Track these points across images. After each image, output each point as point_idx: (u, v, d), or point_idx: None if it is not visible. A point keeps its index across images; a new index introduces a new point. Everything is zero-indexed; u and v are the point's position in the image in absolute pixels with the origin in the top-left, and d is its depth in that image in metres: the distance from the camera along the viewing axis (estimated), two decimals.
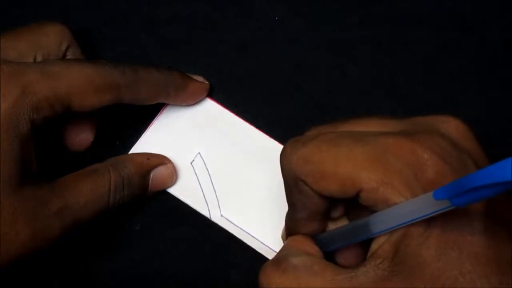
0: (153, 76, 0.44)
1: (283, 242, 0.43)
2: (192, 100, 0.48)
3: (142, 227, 0.47)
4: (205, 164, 0.47)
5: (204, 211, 0.46)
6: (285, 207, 0.46)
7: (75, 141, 0.45)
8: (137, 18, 0.51)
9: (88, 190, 0.41)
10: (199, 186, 0.47)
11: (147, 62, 0.48)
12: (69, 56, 0.45)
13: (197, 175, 0.47)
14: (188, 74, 0.47)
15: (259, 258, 0.46)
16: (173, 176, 0.46)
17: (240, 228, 0.46)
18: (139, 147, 0.48)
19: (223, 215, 0.46)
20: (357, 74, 0.49)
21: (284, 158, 0.38)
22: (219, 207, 0.46)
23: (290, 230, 0.41)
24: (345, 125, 0.38)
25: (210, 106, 0.48)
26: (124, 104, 0.43)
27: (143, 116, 0.47)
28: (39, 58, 0.43)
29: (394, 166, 0.34)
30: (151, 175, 0.45)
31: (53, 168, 0.42)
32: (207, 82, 0.48)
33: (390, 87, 0.49)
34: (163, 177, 0.46)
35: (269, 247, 0.46)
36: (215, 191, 0.47)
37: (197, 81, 0.47)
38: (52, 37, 0.44)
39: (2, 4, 0.51)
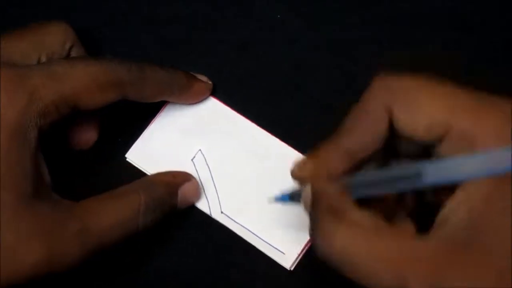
0: (159, 74, 0.44)
1: (297, 181, 0.39)
2: (196, 100, 0.48)
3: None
4: (206, 161, 0.47)
5: (204, 208, 0.46)
6: (285, 206, 0.46)
7: (80, 140, 0.45)
8: (137, 18, 0.51)
9: (115, 213, 0.40)
10: (200, 183, 0.47)
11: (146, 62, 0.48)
12: (73, 55, 0.45)
13: (198, 172, 0.47)
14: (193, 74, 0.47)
15: (260, 257, 0.46)
16: (199, 191, 0.46)
17: (241, 225, 0.46)
18: (140, 144, 0.48)
19: (224, 212, 0.46)
20: (357, 74, 0.49)
21: (380, 79, 0.35)
22: (220, 204, 0.46)
23: (321, 165, 0.37)
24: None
25: (211, 104, 0.48)
26: (127, 100, 0.43)
27: (144, 113, 0.47)
28: (43, 58, 0.43)
29: (491, 123, 0.32)
30: (179, 193, 0.45)
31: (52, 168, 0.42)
32: (210, 82, 0.48)
33: None
34: (190, 193, 0.46)
35: (269, 244, 0.45)
36: (215, 188, 0.46)
37: (201, 80, 0.47)
38: (56, 37, 0.44)
39: (2, 4, 0.51)
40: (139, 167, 0.47)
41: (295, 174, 0.38)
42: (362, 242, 0.33)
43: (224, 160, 0.47)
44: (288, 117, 0.48)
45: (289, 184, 0.45)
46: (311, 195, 0.37)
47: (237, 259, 0.44)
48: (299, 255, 0.45)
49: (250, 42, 0.50)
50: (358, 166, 0.36)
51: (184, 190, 0.45)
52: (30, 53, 0.42)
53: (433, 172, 0.32)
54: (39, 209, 0.38)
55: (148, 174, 0.47)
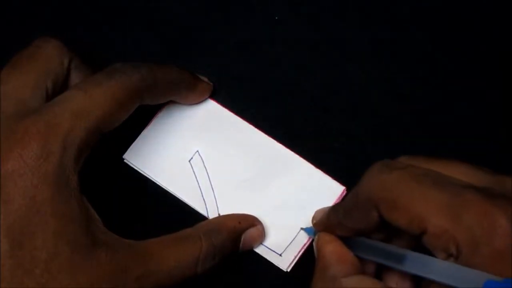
0: (168, 75, 0.44)
1: (314, 226, 0.43)
2: (198, 100, 0.48)
3: (141, 226, 0.47)
4: (203, 162, 0.47)
5: (201, 210, 0.46)
6: (282, 207, 0.46)
7: None
8: (137, 18, 0.51)
9: (175, 258, 0.40)
10: (197, 184, 0.47)
11: (147, 62, 0.48)
12: (72, 69, 0.44)
13: (195, 173, 0.47)
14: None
15: (257, 259, 0.46)
16: (263, 236, 0.46)
17: None
18: (138, 145, 0.48)
19: (221, 213, 0.46)
20: (357, 74, 0.49)
21: (367, 176, 0.38)
22: (217, 206, 0.46)
23: (328, 227, 0.41)
24: (436, 163, 0.38)
25: (209, 105, 0.48)
26: None
27: (142, 114, 0.47)
28: (49, 86, 0.42)
29: (465, 222, 0.33)
30: (242, 238, 0.44)
31: None
32: (211, 83, 0.48)
33: (390, 87, 0.49)
34: (253, 239, 0.45)
35: (266, 246, 0.46)
36: (213, 190, 0.46)
37: (204, 81, 0.47)
38: (54, 59, 0.43)
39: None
40: (136, 168, 0.47)
41: (312, 222, 0.44)
42: None
43: (222, 162, 0.47)
44: (288, 117, 0.48)
45: (287, 185, 0.46)
46: (316, 251, 0.42)
47: (233, 260, 0.44)
48: (295, 257, 0.45)
49: (250, 42, 0.50)
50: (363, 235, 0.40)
51: (248, 236, 0.45)
52: (38, 85, 0.41)
53: (412, 264, 0.37)
54: (98, 257, 0.37)
55: (146, 175, 0.47)
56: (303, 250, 0.45)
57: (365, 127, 0.48)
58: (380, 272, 0.41)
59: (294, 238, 0.45)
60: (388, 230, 0.40)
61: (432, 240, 0.35)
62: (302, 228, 0.45)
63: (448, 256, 0.34)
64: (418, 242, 0.37)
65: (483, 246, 0.33)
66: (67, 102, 0.39)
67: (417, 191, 0.35)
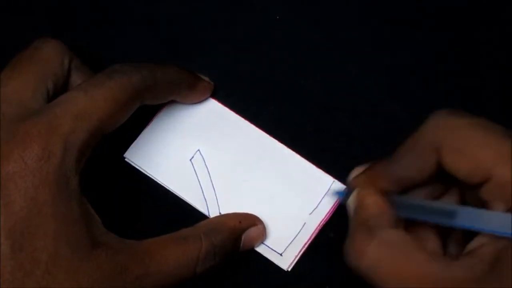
0: (168, 75, 0.44)
1: (353, 181, 0.41)
2: (199, 99, 0.48)
3: (142, 225, 0.47)
4: (204, 161, 0.47)
5: (202, 209, 0.46)
6: (283, 206, 0.46)
7: None
8: (137, 18, 0.51)
9: (175, 258, 0.40)
10: (198, 183, 0.47)
11: (147, 62, 0.48)
12: (73, 69, 0.44)
13: (196, 172, 0.47)
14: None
15: (258, 258, 0.46)
16: (264, 236, 0.45)
17: None
18: (139, 144, 0.48)
19: (222, 213, 0.46)
20: (357, 74, 0.49)
21: (433, 118, 0.38)
22: (218, 205, 0.46)
23: (372, 179, 0.40)
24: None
25: (210, 104, 0.48)
26: None
27: (143, 113, 0.47)
28: (50, 87, 0.42)
29: None
30: (243, 238, 0.44)
31: None
32: (212, 82, 0.48)
33: (390, 87, 0.49)
34: (254, 238, 0.45)
35: (267, 245, 0.46)
36: (214, 189, 0.47)
37: (205, 80, 0.47)
38: (54, 60, 0.43)
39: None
40: (137, 167, 0.47)
41: (349, 179, 0.42)
42: (388, 261, 0.36)
43: (223, 161, 0.47)
44: (288, 117, 0.48)
45: (288, 185, 0.46)
46: (356, 203, 0.40)
47: (234, 260, 0.44)
48: (296, 256, 0.45)
49: (250, 42, 0.50)
50: (408, 189, 0.39)
51: (249, 235, 0.44)
52: (38, 86, 0.41)
53: (465, 218, 0.36)
54: (98, 258, 0.37)
55: (147, 174, 0.47)
56: (304, 249, 0.45)
57: (365, 127, 0.48)
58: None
59: (295, 238, 0.45)
60: (432, 188, 0.39)
61: (494, 189, 0.34)
62: (335, 192, 0.45)
63: (508, 209, 0.34)
64: (463, 202, 0.37)
65: None
66: (68, 104, 0.39)
67: (487, 138, 0.35)
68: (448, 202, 0.39)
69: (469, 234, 0.37)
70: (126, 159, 0.48)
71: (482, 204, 0.36)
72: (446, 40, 0.49)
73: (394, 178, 0.39)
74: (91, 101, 0.39)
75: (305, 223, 0.46)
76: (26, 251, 0.36)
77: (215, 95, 0.49)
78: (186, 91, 0.46)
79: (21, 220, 0.36)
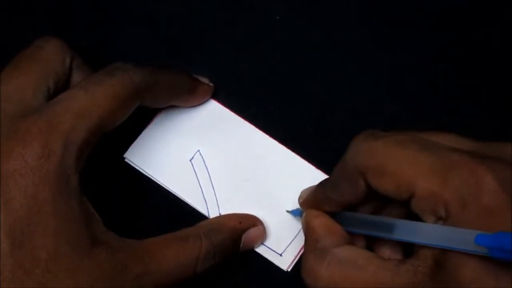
0: (169, 79, 0.44)
1: (300, 205, 0.44)
2: (198, 102, 0.48)
3: (142, 225, 0.47)
4: (204, 162, 0.47)
5: (202, 209, 0.46)
6: (282, 207, 0.46)
7: None
8: (137, 18, 0.51)
9: (175, 257, 0.40)
10: (198, 184, 0.47)
11: (147, 62, 0.48)
12: (74, 68, 0.44)
13: (196, 172, 0.47)
14: (194, 76, 0.47)
15: (257, 259, 0.46)
16: (264, 237, 0.46)
17: None
18: (139, 144, 0.48)
19: (221, 213, 0.46)
20: (357, 74, 0.49)
21: (353, 146, 0.39)
22: (218, 205, 0.46)
23: (315, 203, 0.42)
24: (422, 133, 0.38)
25: (210, 105, 0.48)
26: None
27: (143, 113, 0.47)
28: (51, 85, 0.41)
29: (452, 182, 0.34)
30: (243, 238, 0.44)
31: None
32: (211, 84, 0.48)
33: (390, 87, 0.49)
34: (254, 239, 0.45)
35: (266, 246, 0.46)
36: (213, 189, 0.47)
37: (204, 83, 0.47)
38: (55, 58, 0.42)
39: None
40: (137, 167, 0.47)
41: (298, 201, 0.44)
42: (342, 278, 0.37)
43: (223, 161, 0.47)
44: (288, 117, 0.48)
45: (287, 186, 0.46)
46: (304, 225, 0.42)
47: (233, 260, 0.44)
48: (295, 256, 0.45)
49: (250, 42, 0.50)
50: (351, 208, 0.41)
51: (249, 236, 0.44)
52: (39, 85, 0.41)
53: (401, 231, 0.37)
54: (98, 257, 0.37)
55: (147, 174, 0.47)
56: (303, 250, 0.45)
57: (365, 127, 0.47)
58: (370, 248, 0.41)
59: (294, 238, 0.45)
60: (374, 202, 0.40)
61: (421, 203, 0.35)
62: (287, 211, 0.46)
63: (437, 219, 0.35)
64: (406, 212, 0.38)
65: (471, 205, 0.33)
66: (68, 101, 0.39)
67: (404, 155, 0.36)
68: (391, 214, 0.40)
69: None
70: (126, 160, 0.48)
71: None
72: (446, 40, 0.49)
73: (334, 203, 0.40)
74: (92, 98, 0.39)
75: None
76: (26, 249, 0.36)
77: (215, 96, 0.49)
78: (186, 95, 0.46)
79: (21, 218, 0.36)
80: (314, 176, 0.46)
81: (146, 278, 0.38)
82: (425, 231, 0.35)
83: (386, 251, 0.41)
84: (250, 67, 0.50)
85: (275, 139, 0.48)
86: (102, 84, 0.40)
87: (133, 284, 0.38)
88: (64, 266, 0.36)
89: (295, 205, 0.46)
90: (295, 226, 0.46)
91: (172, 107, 0.48)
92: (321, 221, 0.41)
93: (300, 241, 0.45)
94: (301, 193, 0.44)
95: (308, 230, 0.41)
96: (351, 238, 0.40)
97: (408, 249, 0.40)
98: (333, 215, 0.41)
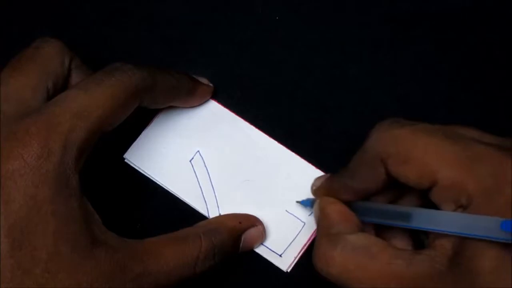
0: (168, 80, 0.44)
1: (314, 193, 0.44)
2: (198, 103, 0.48)
3: (142, 225, 0.47)
4: (204, 162, 0.47)
5: (202, 209, 0.46)
6: (282, 207, 0.46)
7: None
8: (137, 18, 0.51)
9: (174, 257, 0.40)
10: (198, 184, 0.47)
11: (147, 62, 0.48)
12: (73, 69, 0.44)
13: (196, 173, 0.47)
14: (194, 76, 0.47)
15: (257, 259, 0.46)
16: (263, 237, 0.46)
17: None
18: (139, 144, 0.48)
19: (221, 214, 0.46)
20: (357, 74, 0.49)
21: (376, 131, 0.39)
22: (218, 206, 0.46)
23: (331, 191, 0.41)
24: (446, 126, 0.38)
25: (210, 105, 0.48)
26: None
27: (143, 113, 0.47)
28: (50, 86, 0.41)
29: (477, 172, 0.34)
30: (242, 238, 0.44)
31: None
32: (211, 85, 0.48)
33: (390, 87, 0.49)
34: (253, 239, 0.45)
35: (266, 246, 0.46)
36: (213, 190, 0.47)
37: (204, 84, 0.47)
38: (55, 59, 0.42)
39: None
40: (137, 168, 0.47)
41: (312, 190, 0.44)
42: (355, 265, 0.37)
43: (222, 162, 0.47)
44: (288, 117, 0.48)
45: (288, 186, 0.46)
46: (318, 212, 0.42)
47: (233, 260, 0.44)
48: (295, 257, 0.45)
49: (250, 42, 0.50)
50: (368, 197, 0.41)
51: (248, 236, 0.44)
52: (38, 86, 0.41)
53: (419, 220, 0.37)
54: (97, 257, 0.37)
55: (146, 175, 0.47)
56: (303, 250, 0.45)
57: (365, 127, 0.47)
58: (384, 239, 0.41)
59: (294, 239, 0.45)
60: (389, 193, 0.40)
61: (443, 192, 0.35)
62: (297, 201, 0.46)
63: (457, 207, 0.35)
64: (421, 204, 0.38)
65: (496, 195, 0.33)
66: (67, 102, 0.39)
67: (429, 144, 0.36)
68: (404, 205, 0.40)
69: None
70: (126, 160, 0.48)
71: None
72: (446, 40, 0.49)
73: (351, 191, 0.40)
74: (91, 99, 0.39)
75: (304, 224, 0.46)
76: (25, 249, 0.36)
77: (215, 96, 0.49)
78: (185, 96, 0.46)
79: (21, 219, 0.36)
80: (314, 176, 0.46)
81: (146, 278, 0.38)
82: (445, 219, 0.35)
83: (397, 243, 0.41)
84: (250, 67, 0.50)
85: (275, 140, 0.48)
86: (102, 84, 0.39)
87: (133, 284, 0.38)
88: (64, 266, 0.36)
89: (295, 205, 0.46)
90: (295, 227, 0.46)
91: (172, 107, 0.47)
92: (336, 208, 0.40)
93: (301, 242, 0.45)
94: (315, 181, 0.44)
95: (322, 216, 0.41)
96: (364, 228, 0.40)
97: (419, 243, 0.41)
98: (347, 204, 0.41)
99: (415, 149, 0.36)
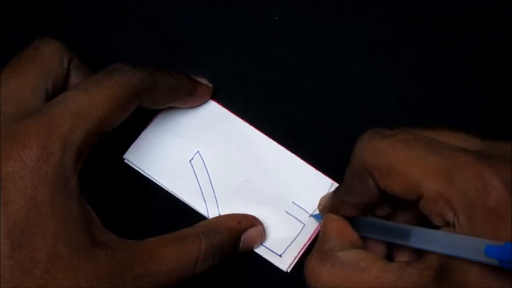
0: (168, 80, 0.44)
1: (320, 212, 0.44)
2: (197, 103, 0.48)
3: (142, 226, 0.47)
4: (204, 162, 0.47)
5: (201, 210, 0.46)
6: (282, 208, 0.46)
7: None
8: (137, 18, 0.51)
9: (174, 258, 0.40)
10: (198, 185, 0.47)
11: (147, 62, 0.48)
12: (72, 69, 0.44)
13: (196, 173, 0.47)
14: (193, 77, 0.47)
15: (257, 260, 0.46)
16: (263, 237, 0.46)
17: None
18: (138, 145, 0.48)
19: (221, 214, 0.46)
20: (357, 74, 0.49)
21: (359, 145, 0.39)
22: (217, 206, 0.46)
23: (333, 208, 0.42)
24: (428, 132, 0.38)
25: (210, 106, 0.48)
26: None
27: (143, 113, 0.47)
28: (49, 87, 0.42)
29: (459, 185, 0.34)
30: (242, 238, 0.44)
31: None
32: (211, 85, 0.48)
33: (390, 87, 0.49)
34: (253, 239, 0.45)
35: (266, 247, 0.46)
36: (213, 190, 0.47)
37: (204, 84, 0.47)
38: (54, 59, 0.43)
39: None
40: (137, 168, 0.47)
41: (318, 208, 0.45)
42: (343, 280, 0.37)
43: (222, 162, 0.47)
44: (288, 117, 0.48)
45: (287, 187, 0.46)
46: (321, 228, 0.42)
47: (233, 261, 0.44)
48: (295, 257, 0.45)
49: (250, 42, 0.50)
50: (368, 210, 0.41)
51: (248, 236, 0.44)
52: (38, 87, 0.41)
53: (417, 239, 0.37)
54: (97, 258, 0.37)
55: (146, 175, 0.47)
56: (303, 251, 0.45)
57: (365, 127, 0.47)
58: (391, 251, 0.42)
59: (294, 239, 0.45)
60: (391, 204, 0.40)
61: (429, 205, 0.35)
62: (311, 215, 0.46)
63: (446, 223, 0.35)
64: (419, 213, 0.37)
65: (478, 208, 0.33)
66: (67, 103, 0.39)
67: (410, 155, 0.36)
68: (404, 223, 0.40)
69: None
70: (125, 160, 0.48)
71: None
72: (446, 40, 0.49)
73: (349, 206, 0.40)
74: (91, 100, 0.39)
75: (304, 224, 0.46)
76: (25, 251, 0.36)
77: (215, 96, 0.49)
78: (185, 97, 0.46)
79: (20, 220, 0.36)
80: (313, 176, 0.46)
81: (146, 278, 0.38)
82: (437, 239, 0.35)
83: (406, 255, 0.41)
84: (250, 68, 0.50)
85: (274, 140, 0.48)
86: (101, 85, 0.39)
87: (132, 285, 0.38)
88: (63, 267, 0.36)
89: (295, 206, 0.46)
90: (295, 227, 0.46)
91: (172, 107, 0.47)
92: (335, 225, 0.41)
93: (300, 242, 0.45)
94: (320, 200, 0.45)
95: (320, 233, 0.41)
96: (370, 242, 0.41)
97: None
98: (351, 220, 0.41)
99: (395, 161, 0.36)
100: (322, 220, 0.43)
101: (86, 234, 0.37)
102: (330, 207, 0.42)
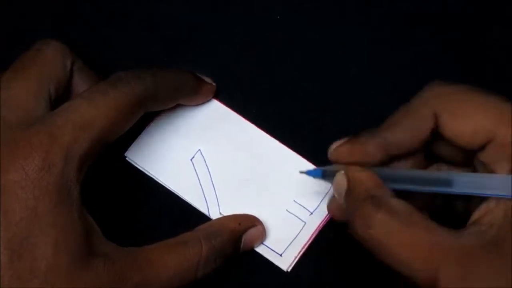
0: (171, 81, 0.44)
1: (333, 159, 0.40)
2: (202, 101, 0.48)
3: (143, 224, 0.47)
4: (205, 161, 0.47)
5: (202, 208, 0.46)
6: (283, 207, 0.46)
7: None
8: (137, 18, 0.51)
9: (174, 264, 0.40)
10: (199, 183, 0.47)
11: (147, 62, 0.48)
12: (75, 71, 0.44)
13: (197, 172, 0.47)
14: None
15: (257, 259, 0.46)
16: (263, 236, 0.46)
17: None
18: (140, 143, 0.48)
19: (222, 212, 0.46)
20: (357, 74, 0.49)
21: (431, 86, 0.38)
22: (218, 205, 0.46)
23: (355, 152, 0.39)
24: None
25: (212, 104, 0.49)
26: None
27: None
28: (52, 90, 0.41)
29: None
30: (243, 239, 0.44)
31: None
32: (214, 84, 0.48)
33: (390, 87, 0.49)
34: (254, 239, 0.45)
35: (267, 246, 0.46)
36: (214, 189, 0.47)
37: (208, 82, 0.47)
38: (56, 62, 0.42)
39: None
40: (138, 166, 0.47)
41: (330, 154, 0.40)
42: (398, 230, 0.35)
43: (223, 161, 0.47)
44: (288, 117, 0.48)
45: (288, 185, 0.45)
46: (347, 183, 0.39)
47: (234, 260, 0.44)
48: (296, 257, 0.45)
49: (250, 42, 0.50)
50: (391, 161, 0.40)
51: (249, 236, 0.44)
52: (41, 91, 0.41)
53: (463, 184, 0.36)
54: (96, 268, 0.37)
55: (147, 173, 0.47)
56: (303, 250, 0.45)
57: (365, 127, 0.47)
58: None
59: (294, 238, 0.46)
60: (414, 160, 0.40)
61: (498, 150, 0.35)
62: (301, 172, 0.42)
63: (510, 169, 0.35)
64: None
65: None
66: (70, 113, 0.38)
67: (487, 102, 0.36)
68: (442, 171, 0.40)
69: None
70: (127, 158, 0.48)
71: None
72: (446, 40, 0.49)
73: (382, 145, 0.39)
74: (94, 110, 0.39)
75: (305, 223, 0.46)
76: (25, 261, 0.36)
77: (216, 95, 0.49)
78: (190, 95, 0.46)
79: (21, 230, 0.36)
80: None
81: (146, 287, 0.38)
82: (493, 182, 0.34)
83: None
84: (250, 67, 0.50)
85: (275, 139, 0.48)
86: (105, 96, 0.39)
87: None
88: (63, 277, 0.36)
89: (296, 205, 0.46)
90: (296, 226, 0.46)
91: (174, 106, 0.47)
92: (368, 174, 0.38)
93: (301, 241, 0.46)
94: (333, 145, 0.40)
95: (355, 183, 0.38)
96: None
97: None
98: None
99: (472, 105, 0.36)
100: (319, 177, 0.41)
101: (86, 245, 0.37)
102: (348, 152, 0.39)
